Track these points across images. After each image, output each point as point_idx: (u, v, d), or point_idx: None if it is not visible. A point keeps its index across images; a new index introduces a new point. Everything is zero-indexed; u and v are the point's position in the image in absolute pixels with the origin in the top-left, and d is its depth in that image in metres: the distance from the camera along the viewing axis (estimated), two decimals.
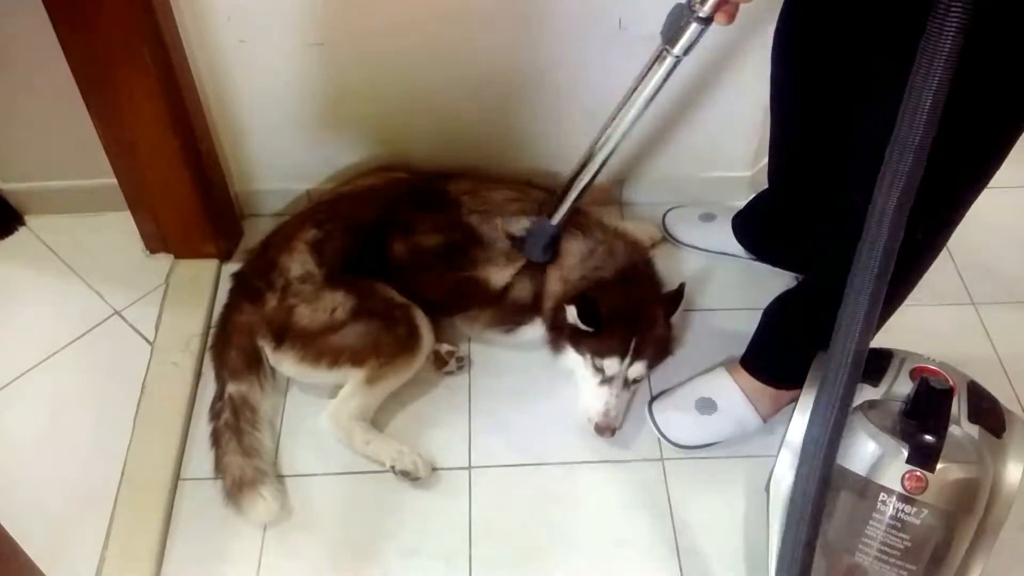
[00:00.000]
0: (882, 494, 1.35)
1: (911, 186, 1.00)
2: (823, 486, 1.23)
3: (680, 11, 1.33)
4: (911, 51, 1.14)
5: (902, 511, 1.34)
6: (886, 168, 1.00)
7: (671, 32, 1.37)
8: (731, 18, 1.29)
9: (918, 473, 1.33)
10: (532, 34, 1.78)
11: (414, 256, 1.81)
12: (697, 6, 1.30)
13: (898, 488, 1.34)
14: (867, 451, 1.38)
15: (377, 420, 1.75)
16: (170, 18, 1.67)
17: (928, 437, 1.34)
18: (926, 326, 1.82)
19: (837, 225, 1.46)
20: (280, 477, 1.69)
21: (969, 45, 1.10)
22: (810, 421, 1.24)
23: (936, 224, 1.36)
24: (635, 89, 1.48)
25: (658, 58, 1.42)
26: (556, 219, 1.72)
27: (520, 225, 1.79)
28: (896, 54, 1.16)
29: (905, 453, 1.34)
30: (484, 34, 1.77)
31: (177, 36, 1.71)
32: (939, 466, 1.33)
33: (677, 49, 1.37)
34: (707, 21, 1.31)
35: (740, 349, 1.79)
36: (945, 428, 1.35)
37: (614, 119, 1.54)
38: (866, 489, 1.37)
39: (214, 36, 1.75)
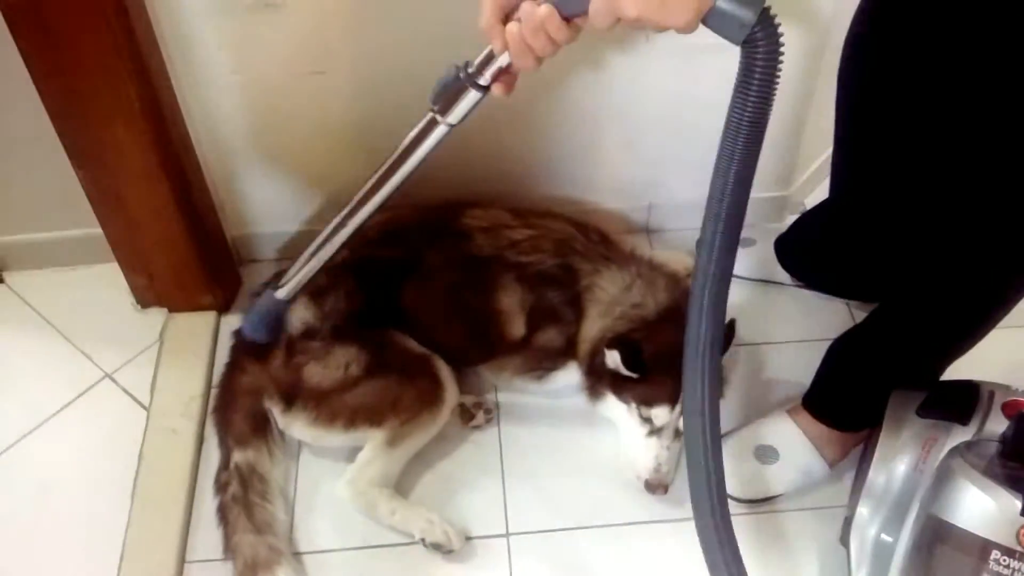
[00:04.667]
0: (995, 552, 1.21)
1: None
2: None
3: (455, 75, 1.16)
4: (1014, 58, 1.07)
5: (1019, 571, 1.20)
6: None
7: (444, 97, 1.19)
8: (511, 88, 1.15)
9: None
10: (555, 57, 1.63)
11: (427, 300, 1.67)
12: (475, 72, 1.14)
13: (1014, 545, 1.20)
14: (972, 502, 1.24)
15: (401, 485, 1.59)
16: (155, 50, 1.53)
17: None
18: (991, 352, 1.66)
19: (918, 251, 1.37)
20: (297, 555, 1.53)
21: None
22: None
23: None
24: (400, 158, 1.29)
25: (428, 123, 1.24)
26: (285, 293, 1.53)
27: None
28: (1005, 53, 1.09)
29: (1019, 504, 1.20)
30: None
31: (163, 69, 1.57)
32: None
33: (452, 118, 1.20)
34: (486, 89, 1.16)
35: (793, 387, 1.66)
36: None
37: (372, 189, 1.35)
38: (974, 546, 1.23)
39: (204, 67, 1.61)
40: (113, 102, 1.48)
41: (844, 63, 1.44)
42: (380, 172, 1.33)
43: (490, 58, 1.12)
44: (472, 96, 1.17)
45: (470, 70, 1.14)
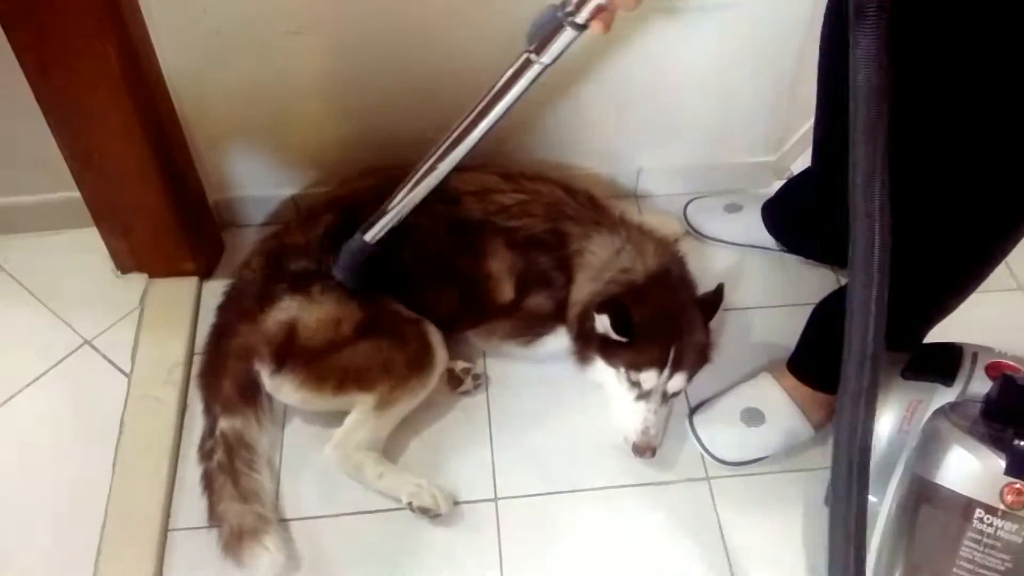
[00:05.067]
0: (978, 511, 1.21)
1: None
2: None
3: (551, 14, 1.17)
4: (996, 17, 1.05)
5: (1002, 529, 1.20)
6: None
7: (540, 36, 1.20)
8: (608, 26, 1.14)
9: (1018, 486, 1.19)
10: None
11: (417, 264, 1.64)
12: (573, 10, 1.14)
13: (997, 503, 1.20)
14: (957, 461, 1.24)
15: (389, 450, 1.58)
16: (136, 11, 1.49)
17: None
18: (972, 314, 1.67)
19: (900, 210, 1.34)
20: (283, 522, 1.51)
21: None
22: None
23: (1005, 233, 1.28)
24: (492, 98, 1.29)
25: (522, 64, 1.24)
26: (372, 236, 1.51)
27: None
28: (980, 17, 1.07)
29: (1002, 464, 1.20)
30: (489, 15, 1.60)
31: (144, 30, 1.53)
32: None
33: (546, 57, 1.21)
34: (583, 28, 1.15)
35: (779, 350, 1.65)
36: None
37: (461, 130, 1.34)
38: (958, 505, 1.23)
39: (185, 26, 1.57)
40: (92, 62, 1.44)
41: (825, 27, 1.44)
42: (472, 114, 1.32)
43: None
44: (568, 34, 1.16)
45: (568, 8, 1.14)
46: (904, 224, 1.35)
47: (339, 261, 1.56)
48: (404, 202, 1.45)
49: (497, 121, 1.31)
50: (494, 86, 1.27)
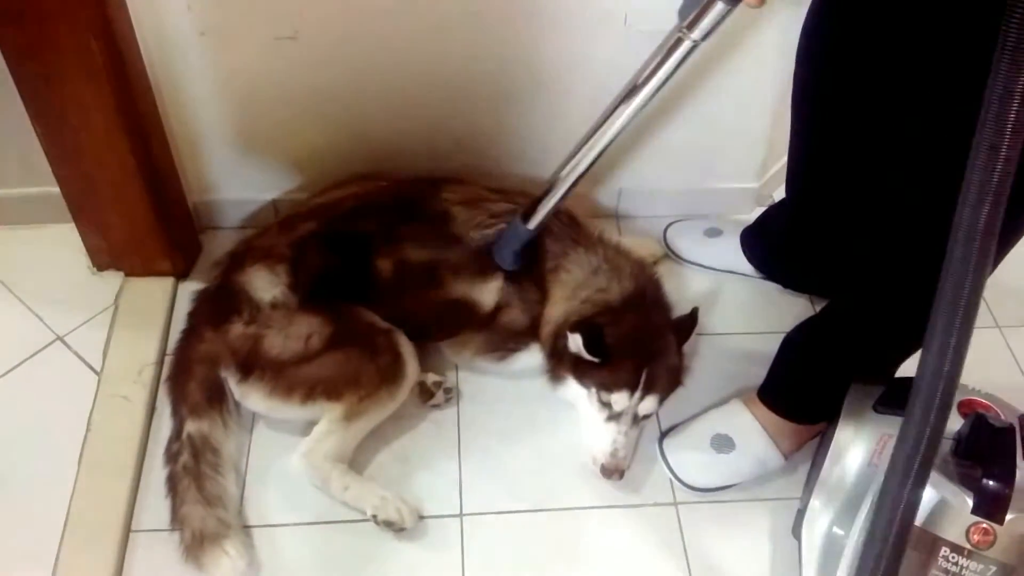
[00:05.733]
0: (944, 549, 1.21)
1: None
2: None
3: None
4: (963, 50, 1.02)
5: (967, 568, 1.20)
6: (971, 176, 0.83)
7: (691, 12, 1.19)
8: None
9: (985, 525, 1.19)
10: (532, 30, 1.63)
11: (399, 274, 1.63)
12: None
13: (963, 542, 1.20)
14: (926, 499, 1.22)
15: (356, 461, 1.57)
16: (122, 7, 1.49)
17: (995, 484, 1.19)
18: None
19: (871, 243, 1.35)
20: (246, 528, 1.50)
21: None
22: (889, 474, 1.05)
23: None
24: (644, 77, 1.30)
25: (673, 42, 1.24)
26: (533, 223, 1.53)
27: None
28: (947, 53, 1.07)
29: (970, 502, 1.20)
30: (479, 28, 1.61)
31: (130, 28, 1.52)
32: (1007, 517, 1.18)
33: (697, 33, 1.20)
34: (735, 1, 1.15)
35: (753, 376, 1.65)
36: (1013, 473, 1.20)
37: (615, 109, 1.35)
38: (924, 543, 1.23)
39: (172, 28, 1.56)
40: (76, 58, 1.43)
41: (802, 55, 1.46)
42: (624, 93, 1.32)
43: None
44: (720, 8, 1.16)
45: None
46: (872, 254, 1.36)
47: (499, 245, 1.59)
48: (560, 186, 1.47)
49: (648, 100, 1.32)
50: (647, 65, 1.28)
